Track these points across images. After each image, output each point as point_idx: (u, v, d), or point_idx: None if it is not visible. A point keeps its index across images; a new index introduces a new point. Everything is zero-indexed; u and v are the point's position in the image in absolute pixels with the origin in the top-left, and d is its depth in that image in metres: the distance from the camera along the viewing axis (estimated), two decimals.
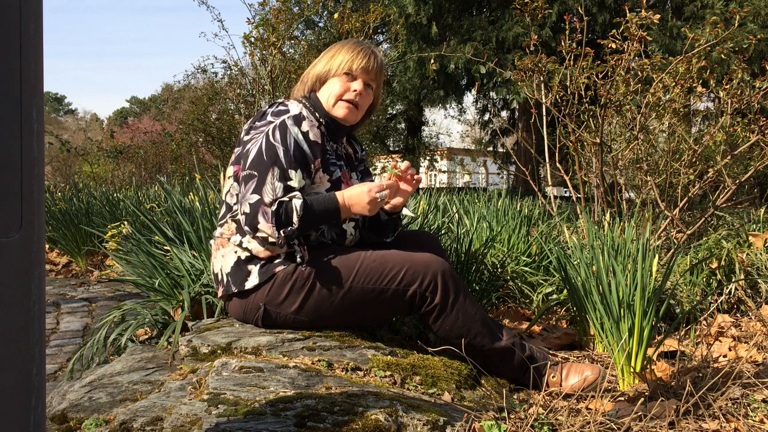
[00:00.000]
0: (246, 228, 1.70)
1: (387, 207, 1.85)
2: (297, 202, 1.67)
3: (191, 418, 1.24)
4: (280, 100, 1.87)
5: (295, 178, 1.70)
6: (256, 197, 1.68)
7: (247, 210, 1.68)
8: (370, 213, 1.72)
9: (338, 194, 1.73)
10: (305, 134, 1.75)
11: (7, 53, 0.70)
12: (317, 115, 1.84)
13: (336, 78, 1.83)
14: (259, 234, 1.68)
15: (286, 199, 1.68)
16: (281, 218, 1.66)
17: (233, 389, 1.37)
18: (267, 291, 1.73)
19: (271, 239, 1.68)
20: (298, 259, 1.68)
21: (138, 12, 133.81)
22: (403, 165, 1.81)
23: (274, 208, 1.66)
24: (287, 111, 1.78)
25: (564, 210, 4.32)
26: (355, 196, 1.71)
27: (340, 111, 1.83)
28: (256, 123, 1.79)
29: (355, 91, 1.83)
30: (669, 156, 3.42)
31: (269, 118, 1.78)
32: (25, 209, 0.72)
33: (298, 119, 1.75)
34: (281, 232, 1.65)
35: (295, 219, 1.66)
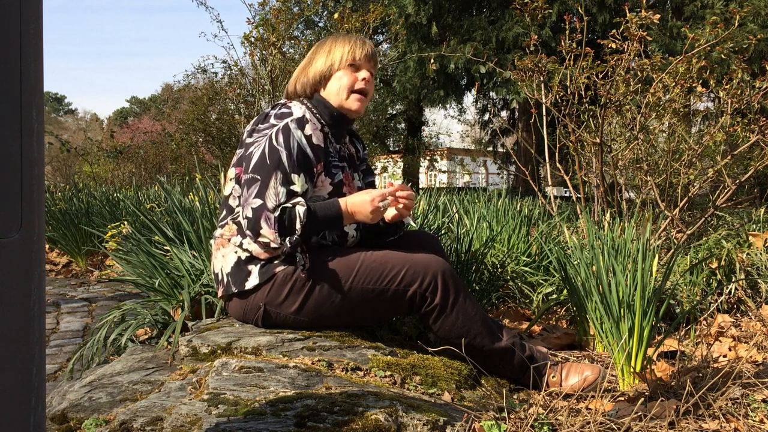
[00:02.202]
0: (248, 232, 1.70)
1: (386, 219, 1.86)
2: (300, 210, 1.66)
3: (191, 418, 1.24)
4: (282, 101, 1.86)
5: (298, 183, 1.70)
6: (258, 202, 1.67)
7: (250, 214, 1.68)
8: (372, 221, 1.73)
9: (341, 201, 1.72)
10: (308, 138, 1.75)
11: (7, 53, 0.70)
12: (320, 116, 1.83)
13: (341, 71, 1.83)
14: (261, 239, 1.68)
15: (289, 205, 1.67)
16: (284, 225, 1.66)
17: (233, 389, 1.37)
18: (267, 291, 1.73)
19: (273, 245, 1.68)
20: (299, 267, 1.69)
21: (138, 12, 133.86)
22: (396, 184, 1.82)
23: (277, 214, 1.66)
24: (290, 114, 1.77)
25: (564, 210, 4.32)
26: (358, 204, 1.71)
27: (354, 104, 1.84)
28: (259, 125, 1.78)
29: (364, 79, 1.84)
30: (669, 156, 3.42)
31: (272, 120, 1.77)
32: (25, 209, 0.72)
33: (301, 122, 1.75)
34: (285, 239, 1.66)
35: (298, 226, 1.66)
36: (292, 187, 1.69)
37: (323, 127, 1.82)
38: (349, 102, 1.84)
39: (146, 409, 1.30)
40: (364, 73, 1.84)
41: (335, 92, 1.83)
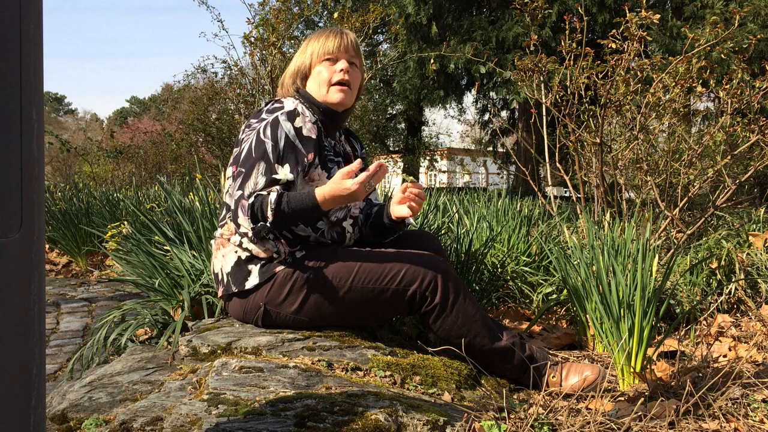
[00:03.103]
0: (232, 224, 1.71)
1: (393, 216, 1.85)
2: (272, 196, 1.64)
3: (191, 418, 1.24)
4: (276, 98, 1.87)
5: (281, 172, 1.69)
6: (239, 192, 1.68)
7: (232, 206, 1.69)
8: (358, 197, 1.62)
9: (317, 190, 1.65)
10: (298, 129, 1.74)
11: (7, 53, 0.70)
12: (312, 110, 1.83)
13: (318, 66, 1.83)
14: (241, 230, 1.68)
15: (263, 193, 1.67)
16: (255, 212, 1.65)
17: (233, 389, 1.37)
18: (267, 291, 1.73)
19: (250, 234, 1.67)
20: (274, 255, 1.67)
21: (138, 12, 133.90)
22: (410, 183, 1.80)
23: (251, 201, 1.66)
24: (282, 108, 1.78)
25: (564, 210, 4.32)
26: (338, 189, 1.60)
27: (335, 96, 1.82)
28: (251, 121, 1.80)
29: (342, 70, 1.81)
30: (669, 156, 3.42)
31: (263, 115, 1.78)
32: (25, 209, 0.72)
33: (291, 115, 1.75)
34: (255, 226, 1.65)
35: (269, 213, 1.64)
36: (274, 176, 1.68)
37: (316, 120, 1.82)
38: (330, 95, 1.82)
39: (146, 409, 1.30)
40: (341, 64, 1.82)
41: (316, 88, 1.83)
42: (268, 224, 1.65)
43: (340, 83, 1.82)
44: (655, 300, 1.82)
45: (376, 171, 1.62)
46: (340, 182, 1.60)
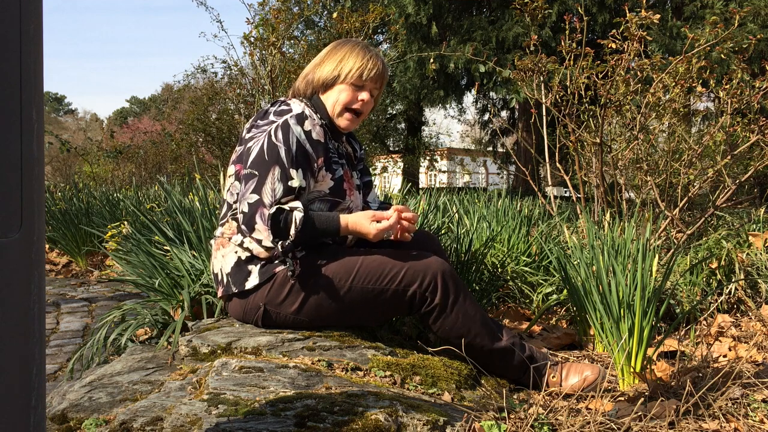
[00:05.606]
0: (243, 227, 1.70)
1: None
2: (298, 215, 1.67)
3: (191, 418, 1.24)
4: (282, 99, 1.87)
5: (297, 178, 1.70)
6: (255, 197, 1.68)
7: (246, 209, 1.68)
8: (373, 240, 1.75)
9: (342, 219, 1.73)
10: (308, 133, 1.75)
11: (7, 53, 0.70)
12: (319, 115, 1.83)
13: (344, 86, 1.81)
14: (254, 235, 1.68)
15: (287, 208, 1.68)
16: (279, 226, 1.67)
17: (233, 389, 1.37)
18: (267, 291, 1.73)
19: (265, 242, 1.68)
20: (289, 273, 1.68)
21: (138, 12, 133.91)
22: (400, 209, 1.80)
23: (272, 211, 1.66)
24: (290, 110, 1.78)
25: (564, 210, 4.32)
26: (361, 228, 1.73)
27: (343, 122, 1.84)
28: (258, 121, 1.79)
29: (362, 101, 1.83)
30: (669, 156, 3.42)
31: (271, 117, 1.77)
32: (25, 209, 0.72)
33: (300, 118, 1.75)
34: (277, 242, 1.67)
35: (292, 231, 1.67)
36: (290, 183, 1.69)
37: (323, 124, 1.82)
38: (339, 119, 1.84)
39: (146, 409, 1.30)
40: (364, 95, 1.82)
41: (331, 103, 1.83)
42: (291, 242, 1.68)
43: (354, 111, 1.84)
44: (655, 300, 1.82)
45: (395, 224, 1.73)
46: (365, 222, 1.72)
